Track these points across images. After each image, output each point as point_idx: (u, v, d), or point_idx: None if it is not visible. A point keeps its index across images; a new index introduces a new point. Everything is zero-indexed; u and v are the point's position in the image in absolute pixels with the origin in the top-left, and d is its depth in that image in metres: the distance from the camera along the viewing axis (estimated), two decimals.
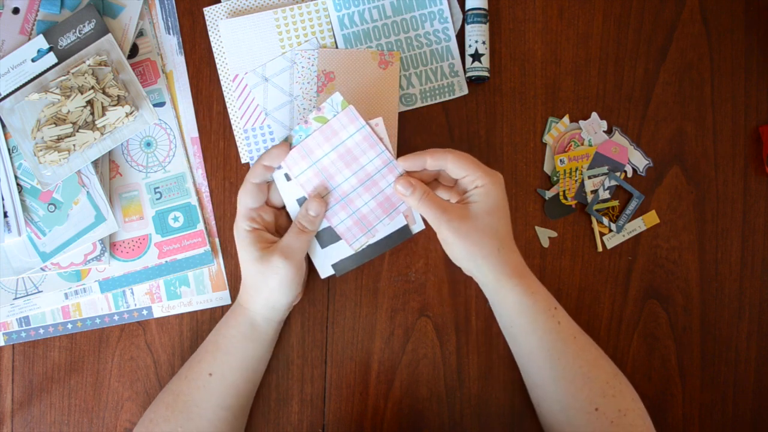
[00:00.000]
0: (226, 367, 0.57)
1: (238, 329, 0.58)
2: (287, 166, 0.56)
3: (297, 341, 0.64)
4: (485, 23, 0.64)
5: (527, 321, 0.57)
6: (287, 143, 0.56)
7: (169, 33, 0.65)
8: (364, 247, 0.59)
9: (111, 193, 0.64)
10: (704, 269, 0.65)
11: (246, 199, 0.56)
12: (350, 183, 0.57)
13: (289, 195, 0.58)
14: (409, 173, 0.57)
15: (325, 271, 0.59)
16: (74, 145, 0.60)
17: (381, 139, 0.56)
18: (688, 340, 0.65)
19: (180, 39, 0.65)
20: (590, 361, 0.56)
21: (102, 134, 0.61)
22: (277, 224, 0.59)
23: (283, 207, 0.59)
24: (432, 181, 0.59)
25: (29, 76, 0.61)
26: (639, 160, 0.65)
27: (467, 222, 0.55)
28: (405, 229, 0.59)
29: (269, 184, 0.58)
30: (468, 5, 0.64)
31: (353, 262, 0.59)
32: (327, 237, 0.59)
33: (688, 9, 0.66)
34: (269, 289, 0.56)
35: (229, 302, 0.64)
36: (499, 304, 0.58)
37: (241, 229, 0.56)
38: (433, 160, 0.56)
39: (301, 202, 0.58)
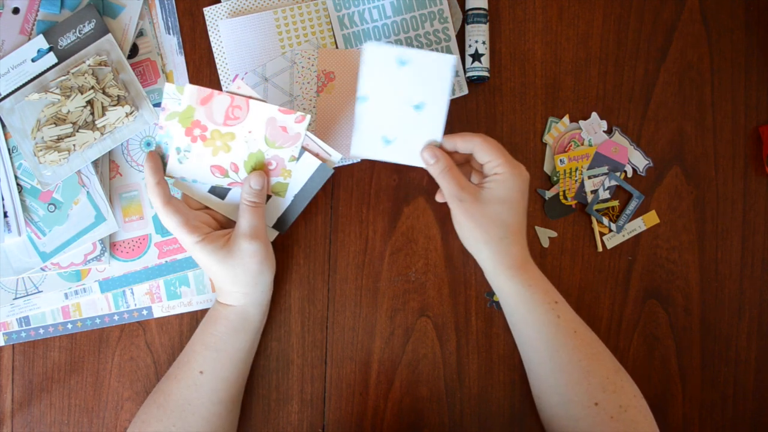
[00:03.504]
0: (218, 364, 0.57)
1: (228, 325, 0.58)
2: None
3: (297, 341, 0.64)
4: (485, 23, 0.64)
5: (525, 311, 0.58)
6: (154, 153, 0.56)
7: (169, 33, 0.65)
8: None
9: (111, 193, 0.64)
10: (704, 269, 0.65)
11: (171, 220, 0.55)
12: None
13: (199, 191, 0.59)
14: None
15: (270, 235, 0.61)
16: (74, 145, 0.60)
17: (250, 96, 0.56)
18: (688, 340, 0.65)
19: (180, 39, 0.65)
20: (591, 355, 0.56)
21: (102, 134, 0.61)
22: (215, 218, 0.60)
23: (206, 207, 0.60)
24: (464, 163, 0.60)
25: (29, 76, 0.61)
26: (639, 160, 0.65)
27: (477, 205, 0.56)
28: (323, 167, 0.59)
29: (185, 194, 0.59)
30: (468, 5, 0.64)
31: (291, 216, 0.60)
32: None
33: (688, 9, 0.66)
34: (250, 274, 0.57)
35: None
36: (499, 291, 0.59)
37: (191, 243, 0.56)
38: (463, 142, 0.57)
39: (214, 190, 0.59)
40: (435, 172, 0.57)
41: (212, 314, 0.59)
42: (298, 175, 0.59)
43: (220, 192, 0.59)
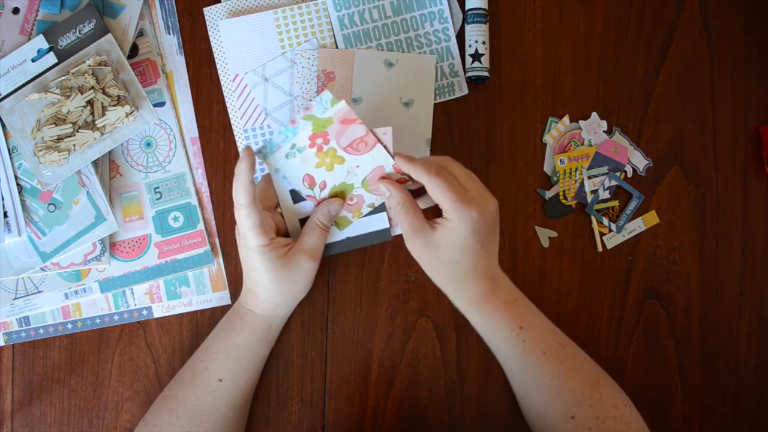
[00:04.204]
0: (237, 372, 0.58)
1: (252, 334, 0.58)
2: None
3: (297, 341, 0.64)
4: (485, 23, 0.64)
5: (489, 338, 0.59)
6: (251, 149, 0.55)
7: (169, 33, 0.65)
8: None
9: (111, 193, 0.64)
10: (704, 269, 0.65)
11: (250, 219, 0.54)
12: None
13: (282, 187, 0.59)
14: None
15: None
16: (74, 145, 0.60)
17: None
18: (688, 340, 0.65)
19: (180, 39, 0.65)
20: (563, 374, 0.56)
21: (102, 134, 0.61)
22: (276, 223, 0.59)
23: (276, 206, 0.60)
24: None
25: (29, 76, 0.61)
26: (639, 160, 0.65)
27: (430, 250, 0.56)
28: (386, 231, 0.61)
29: (262, 192, 0.58)
30: (468, 5, 0.64)
31: (331, 250, 0.61)
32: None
33: (688, 9, 0.66)
34: (294, 290, 0.58)
35: (230, 302, 0.64)
36: (468, 320, 0.60)
37: (257, 245, 0.55)
38: (415, 174, 0.54)
39: (294, 194, 0.59)
40: (391, 204, 0.57)
41: (234, 320, 0.59)
42: (363, 223, 0.61)
43: (294, 197, 0.60)
